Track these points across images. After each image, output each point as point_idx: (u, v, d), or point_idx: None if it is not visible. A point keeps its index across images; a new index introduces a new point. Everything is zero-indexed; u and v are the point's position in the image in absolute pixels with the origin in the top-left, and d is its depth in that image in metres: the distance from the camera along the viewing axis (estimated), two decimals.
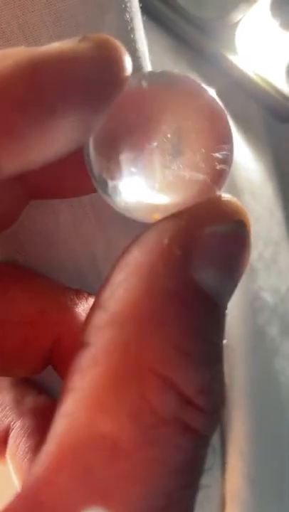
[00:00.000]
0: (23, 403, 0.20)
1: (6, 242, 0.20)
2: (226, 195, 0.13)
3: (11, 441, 0.19)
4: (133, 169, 0.13)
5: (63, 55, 0.11)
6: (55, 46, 0.12)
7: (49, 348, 0.18)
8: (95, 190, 0.14)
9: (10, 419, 0.19)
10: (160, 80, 0.13)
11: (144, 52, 0.19)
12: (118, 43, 0.12)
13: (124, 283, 0.12)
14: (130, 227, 0.20)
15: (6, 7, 0.17)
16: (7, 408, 0.20)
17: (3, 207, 0.17)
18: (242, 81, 0.27)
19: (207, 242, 0.12)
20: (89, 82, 0.12)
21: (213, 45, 0.27)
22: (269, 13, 0.27)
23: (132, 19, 0.18)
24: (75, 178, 0.16)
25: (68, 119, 0.11)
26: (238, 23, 0.27)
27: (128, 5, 0.18)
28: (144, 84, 0.13)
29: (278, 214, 0.27)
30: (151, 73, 0.13)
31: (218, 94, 0.13)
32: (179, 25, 0.27)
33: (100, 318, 0.12)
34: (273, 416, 0.24)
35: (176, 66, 0.26)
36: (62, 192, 0.17)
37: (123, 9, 0.18)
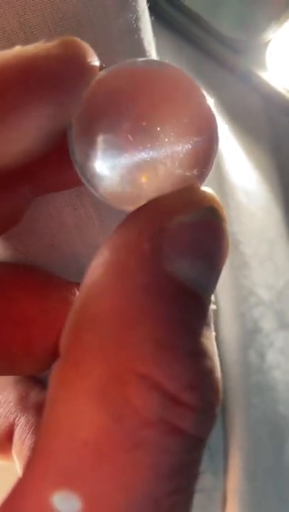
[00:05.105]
0: (27, 399, 0.20)
1: (9, 243, 0.20)
2: (197, 185, 0.13)
3: (16, 437, 0.19)
4: (111, 156, 0.13)
5: (25, 53, 0.12)
6: (18, 47, 0.12)
7: (54, 343, 0.18)
8: None
9: (14, 415, 0.19)
10: (142, 67, 0.13)
11: (150, 51, 0.18)
12: (80, 41, 0.12)
13: (97, 285, 0.12)
14: None
15: (7, 5, 0.16)
16: (11, 404, 0.20)
17: (8, 207, 0.16)
18: (272, 97, 0.27)
19: (177, 232, 0.12)
20: (52, 75, 0.12)
21: (243, 63, 0.27)
22: None
23: (137, 19, 0.17)
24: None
25: (36, 112, 0.12)
26: (268, 42, 0.26)
27: (133, 4, 0.17)
28: (125, 71, 0.13)
29: (276, 214, 0.27)
30: (134, 61, 0.13)
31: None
32: (210, 44, 0.27)
33: (77, 324, 0.12)
34: (269, 411, 0.24)
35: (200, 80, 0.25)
36: (65, 182, 0.17)
37: (127, 9, 0.17)
